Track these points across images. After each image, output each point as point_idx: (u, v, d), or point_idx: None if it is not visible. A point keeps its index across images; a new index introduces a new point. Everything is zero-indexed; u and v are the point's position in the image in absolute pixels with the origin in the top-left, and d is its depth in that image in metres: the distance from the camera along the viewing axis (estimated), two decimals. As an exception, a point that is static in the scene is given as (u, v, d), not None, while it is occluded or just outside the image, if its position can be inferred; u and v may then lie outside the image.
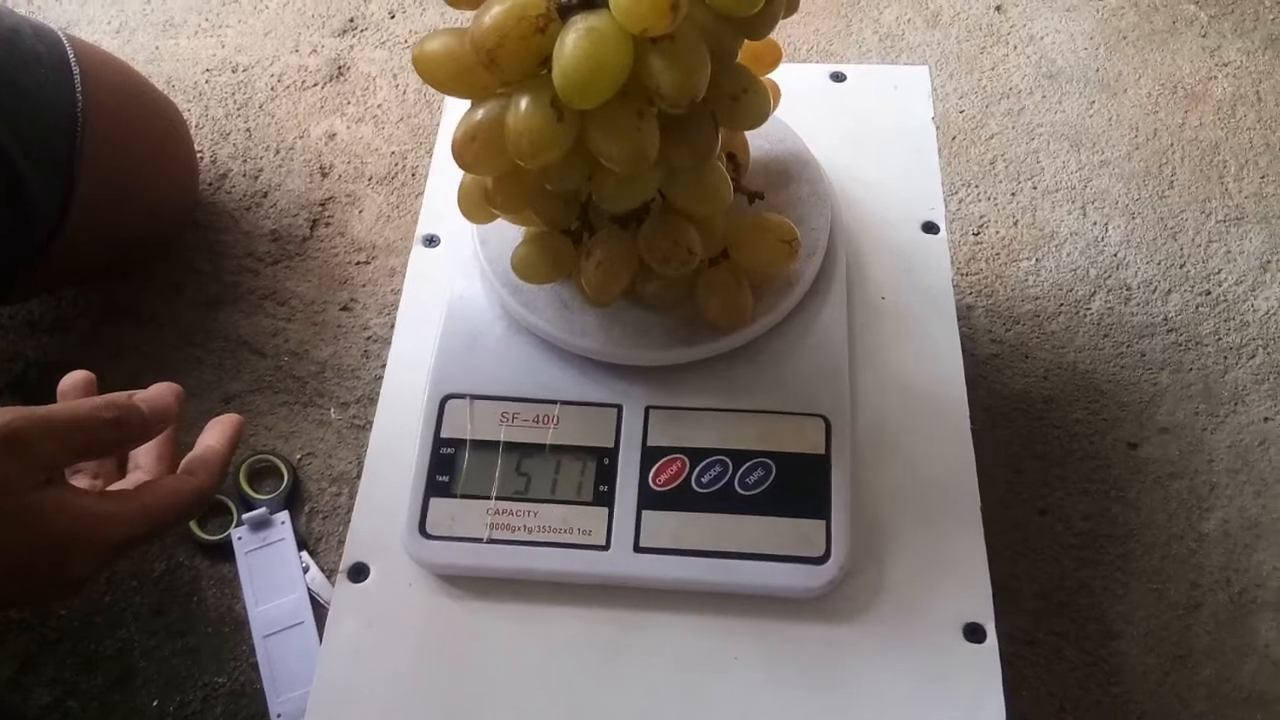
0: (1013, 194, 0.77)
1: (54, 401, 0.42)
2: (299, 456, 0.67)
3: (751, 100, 0.37)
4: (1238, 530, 0.63)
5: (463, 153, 0.36)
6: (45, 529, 0.36)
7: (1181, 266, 0.74)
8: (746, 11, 0.34)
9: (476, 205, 0.41)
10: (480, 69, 0.33)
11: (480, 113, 0.36)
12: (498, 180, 0.39)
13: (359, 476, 0.65)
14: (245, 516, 0.63)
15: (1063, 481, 0.65)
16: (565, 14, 0.33)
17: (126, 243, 0.71)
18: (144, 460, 0.45)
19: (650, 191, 0.39)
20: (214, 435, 0.46)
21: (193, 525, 0.63)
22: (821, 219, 0.46)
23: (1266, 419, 0.67)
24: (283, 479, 0.65)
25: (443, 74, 0.36)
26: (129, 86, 0.68)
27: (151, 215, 0.71)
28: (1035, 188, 0.78)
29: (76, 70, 0.62)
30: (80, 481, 0.44)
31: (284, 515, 0.64)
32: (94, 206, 0.62)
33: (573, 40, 0.32)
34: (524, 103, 0.34)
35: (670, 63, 0.33)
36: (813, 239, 0.46)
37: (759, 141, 0.47)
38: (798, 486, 0.43)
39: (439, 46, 0.35)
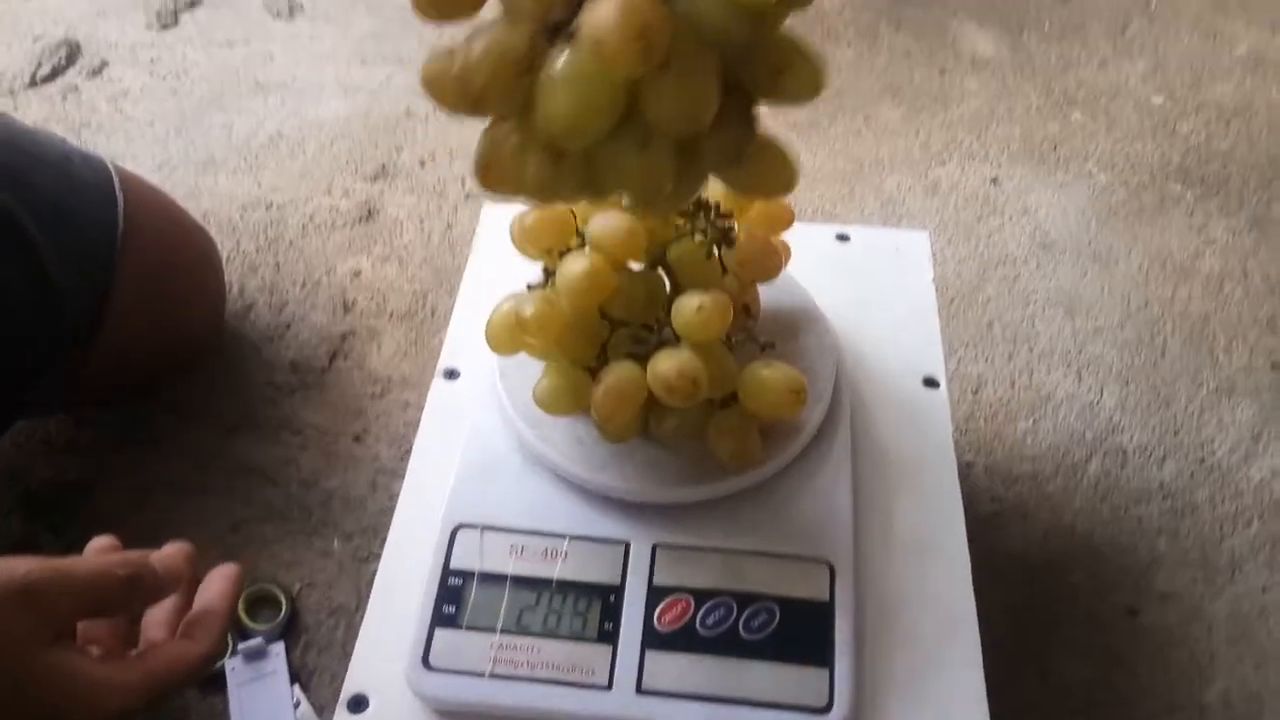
0: (1009, 356, 0.80)
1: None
2: (299, 587, 0.66)
3: (795, 76, 0.33)
4: (1239, 701, 0.62)
5: (484, 177, 0.34)
6: (47, 695, 0.36)
7: (1175, 434, 0.76)
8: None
9: (506, 337, 0.43)
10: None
11: (493, 136, 0.33)
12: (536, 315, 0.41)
13: (357, 609, 0.65)
14: (241, 647, 0.62)
15: (1063, 644, 0.64)
16: (552, 36, 0.30)
17: (153, 363, 0.73)
18: (154, 631, 0.45)
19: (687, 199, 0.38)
20: (214, 590, 0.46)
21: (187, 651, 0.62)
22: (827, 369, 0.49)
23: (1264, 589, 0.67)
24: (280, 609, 0.65)
25: (449, 97, 0.32)
26: (168, 215, 0.72)
27: (180, 337, 0.74)
28: (1031, 350, 0.80)
29: (120, 196, 0.66)
30: (93, 648, 0.43)
31: (279, 647, 0.63)
32: (126, 326, 0.65)
33: (552, 82, 0.29)
34: (518, 145, 0.31)
35: (663, 94, 0.29)
36: (819, 388, 0.48)
37: (770, 294, 0.50)
38: (802, 632, 0.43)
39: (438, 69, 0.31)
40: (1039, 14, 1.13)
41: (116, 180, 0.66)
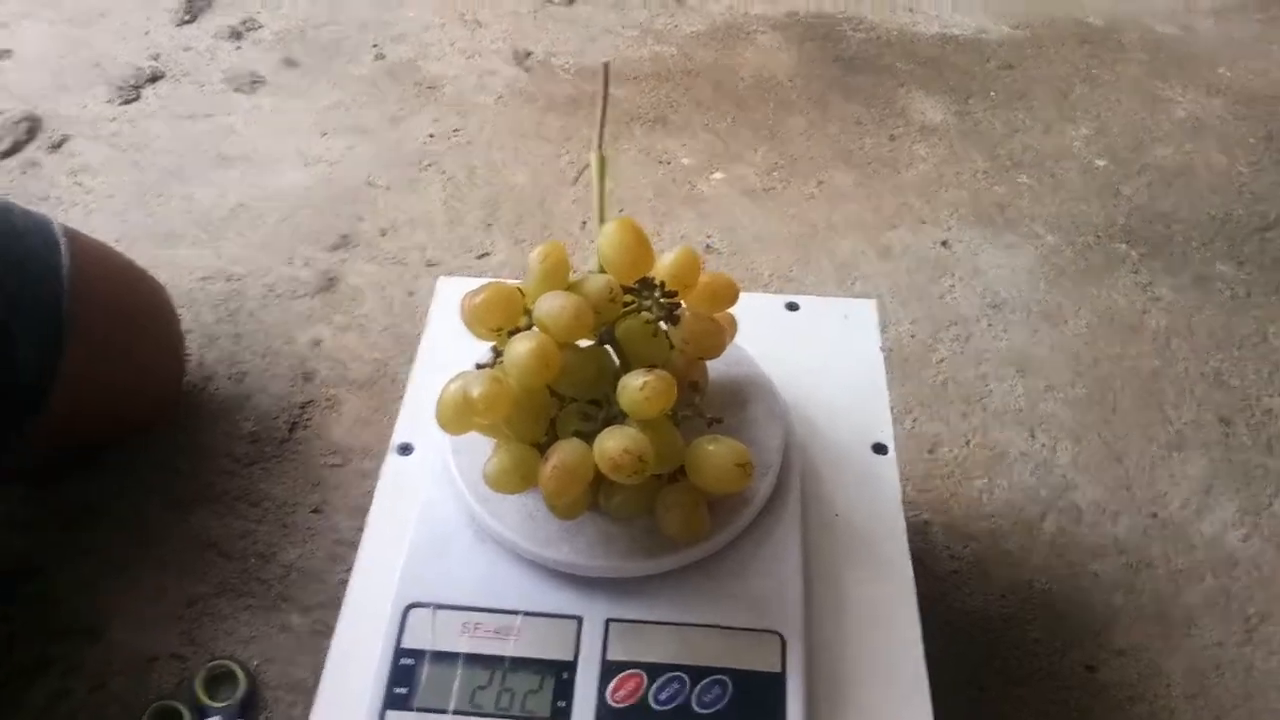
0: (964, 415, 0.81)
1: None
2: (257, 663, 0.66)
3: None
4: (1200, 758, 0.63)
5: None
6: None
7: (1128, 489, 0.77)
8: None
9: (455, 417, 0.44)
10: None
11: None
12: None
13: (316, 685, 0.64)
14: (195, 726, 0.61)
15: (1024, 702, 0.65)
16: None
17: (109, 421, 0.72)
18: None
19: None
20: None
21: (140, 734, 0.61)
22: (775, 439, 0.49)
23: (1220, 643, 0.68)
24: (239, 686, 0.64)
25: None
26: (114, 262, 0.73)
27: (136, 390, 0.74)
28: (985, 410, 0.82)
29: (63, 242, 0.66)
30: None
31: (236, 725, 0.62)
32: (80, 375, 0.65)
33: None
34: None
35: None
36: (767, 458, 0.48)
37: (718, 365, 0.50)
38: (754, 705, 0.43)
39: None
40: (984, 82, 1.17)
41: (58, 228, 0.67)
